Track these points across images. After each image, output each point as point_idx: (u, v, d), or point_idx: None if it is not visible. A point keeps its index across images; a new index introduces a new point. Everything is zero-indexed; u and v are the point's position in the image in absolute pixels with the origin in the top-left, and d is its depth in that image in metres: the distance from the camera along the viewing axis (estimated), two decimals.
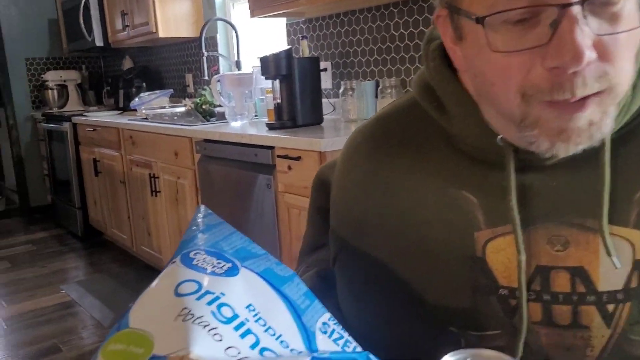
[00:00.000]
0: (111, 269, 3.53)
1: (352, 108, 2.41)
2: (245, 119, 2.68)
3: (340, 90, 2.42)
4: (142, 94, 3.72)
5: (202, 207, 0.56)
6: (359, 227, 0.66)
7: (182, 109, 3.42)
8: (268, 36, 3.25)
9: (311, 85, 2.35)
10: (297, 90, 2.29)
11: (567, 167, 0.57)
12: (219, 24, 3.46)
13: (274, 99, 2.35)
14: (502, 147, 0.58)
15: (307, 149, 1.90)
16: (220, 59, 3.50)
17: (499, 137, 0.58)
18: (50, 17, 4.93)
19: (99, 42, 4.12)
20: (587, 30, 0.48)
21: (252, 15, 2.61)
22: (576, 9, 0.47)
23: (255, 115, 2.82)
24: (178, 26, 3.51)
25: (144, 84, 4.18)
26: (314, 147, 1.86)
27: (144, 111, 3.49)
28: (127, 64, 4.57)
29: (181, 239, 0.51)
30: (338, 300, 0.70)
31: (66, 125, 4.10)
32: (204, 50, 3.08)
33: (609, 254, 0.54)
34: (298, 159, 1.94)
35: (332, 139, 1.88)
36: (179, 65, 4.02)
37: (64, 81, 4.87)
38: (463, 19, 0.54)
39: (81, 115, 4.07)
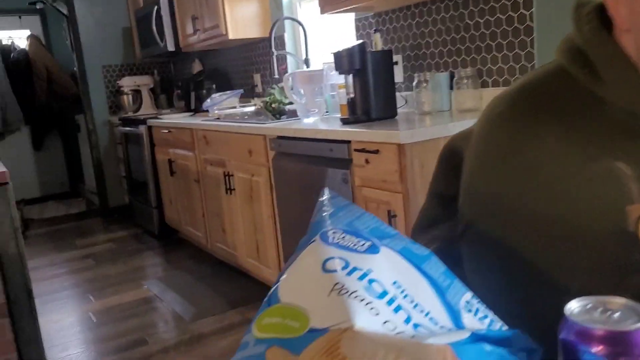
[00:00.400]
0: (188, 266, 3.65)
1: (426, 100, 2.37)
2: (316, 116, 2.70)
3: (414, 83, 2.39)
4: (213, 95, 3.82)
5: (327, 190, 0.56)
6: (495, 202, 0.64)
7: (252, 109, 3.49)
8: (335, 33, 3.26)
9: (384, 79, 2.33)
10: (371, 84, 2.28)
11: None
12: (286, 22, 3.50)
13: (348, 93, 2.35)
14: None
15: (385, 142, 1.88)
16: (288, 57, 3.54)
17: None
18: (124, 26, 5.16)
19: (170, 47, 4.27)
20: None
21: (322, 11, 2.62)
22: None
23: (326, 112, 2.83)
24: (246, 27, 3.58)
25: (214, 86, 4.29)
26: (392, 139, 1.85)
27: (215, 112, 3.58)
28: (197, 67, 4.71)
29: (311, 220, 0.51)
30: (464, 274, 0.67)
31: (142, 128, 4.27)
32: (273, 49, 3.12)
33: None
34: (376, 152, 1.93)
35: (411, 130, 1.86)
36: (246, 66, 4.10)
37: (138, 86, 5.08)
38: None
39: (155, 118, 4.23)
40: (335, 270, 0.42)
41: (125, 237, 4.55)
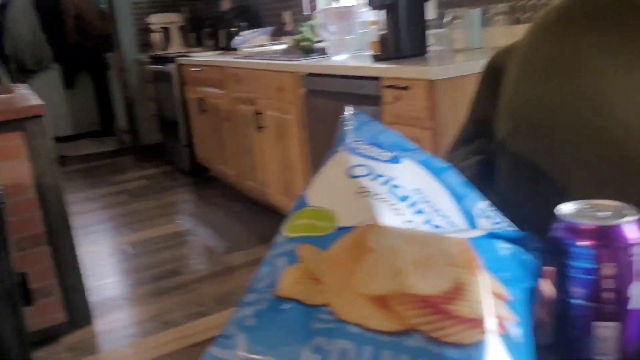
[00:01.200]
0: (219, 202, 3.75)
1: (458, 38, 2.32)
2: (346, 54, 2.67)
3: (444, 20, 2.34)
4: (242, 33, 3.79)
5: (349, 108, 0.58)
6: (536, 113, 0.64)
7: (282, 47, 3.46)
8: None
9: (416, 15, 2.28)
10: (403, 20, 2.24)
11: None
12: None
13: (380, 30, 2.31)
14: None
15: (415, 78, 1.87)
16: None
17: None
18: None
19: None
20: None
21: None
22: None
23: (357, 50, 2.80)
24: None
25: (244, 24, 4.25)
26: (422, 75, 1.83)
27: (245, 49, 3.57)
28: (226, 4, 4.65)
29: (336, 135, 0.54)
30: (500, 186, 0.69)
31: (171, 67, 4.29)
32: None
33: None
34: (406, 88, 1.92)
35: (441, 67, 1.83)
36: (277, 4, 4.04)
37: (167, 24, 5.06)
38: None
39: (185, 56, 4.24)
40: (360, 176, 0.44)
41: (157, 175, 4.67)
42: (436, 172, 0.49)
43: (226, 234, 3.15)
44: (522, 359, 0.34)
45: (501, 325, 0.34)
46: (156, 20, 5.01)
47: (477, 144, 0.75)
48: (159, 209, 3.76)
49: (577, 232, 0.42)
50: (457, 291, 0.34)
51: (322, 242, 0.41)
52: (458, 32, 2.32)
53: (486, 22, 2.26)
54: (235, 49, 3.77)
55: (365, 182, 0.44)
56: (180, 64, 4.22)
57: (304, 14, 3.20)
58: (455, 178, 0.49)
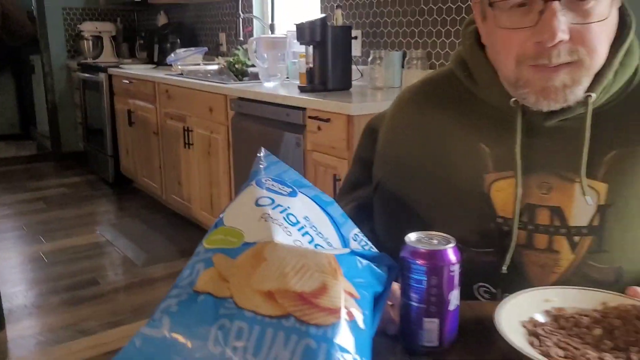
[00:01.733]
0: (141, 215, 3.76)
1: (379, 76, 2.54)
2: (277, 81, 2.83)
3: (369, 59, 2.56)
4: (177, 50, 3.87)
5: (263, 150, 0.73)
6: (401, 165, 0.86)
7: (215, 67, 3.58)
8: (302, 2, 3.36)
9: (343, 53, 2.49)
10: (329, 56, 2.43)
11: (559, 132, 0.77)
12: None
13: (307, 63, 2.50)
14: (514, 108, 0.76)
15: (337, 112, 2.05)
16: (254, 20, 3.63)
17: (512, 99, 0.76)
18: None
19: None
20: (563, 19, 0.67)
21: None
22: (556, 4, 0.67)
23: (287, 78, 2.97)
24: None
25: (179, 40, 4.33)
26: (343, 110, 2.02)
27: (179, 67, 3.65)
28: (162, 19, 4.71)
29: (251, 169, 0.68)
30: (374, 225, 0.88)
31: (102, 76, 4.28)
32: (240, 12, 3.20)
33: (584, 194, 0.72)
34: (328, 120, 2.10)
35: (361, 104, 2.03)
36: (213, 24, 4.16)
37: (99, 32, 5.03)
38: (485, 3, 0.74)
39: (116, 67, 4.25)
40: (264, 205, 0.59)
41: (78, 183, 4.60)
42: (323, 205, 0.64)
43: (147, 246, 3.18)
44: (362, 339, 0.50)
45: (350, 314, 0.50)
46: (88, 27, 4.97)
47: (358, 192, 0.94)
48: (78, 218, 3.73)
49: (415, 254, 0.59)
50: (323, 290, 0.50)
51: (232, 253, 0.55)
52: (380, 71, 2.54)
53: (405, 64, 2.50)
54: (169, 65, 3.84)
55: (267, 210, 0.58)
56: (111, 75, 4.22)
57: (239, 38, 3.35)
58: (337, 210, 0.65)
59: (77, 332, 2.26)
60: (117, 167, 4.39)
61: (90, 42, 5.03)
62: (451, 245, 0.60)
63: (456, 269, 0.60)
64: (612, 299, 0.65)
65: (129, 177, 4.30)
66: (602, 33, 0.70)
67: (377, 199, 0.90)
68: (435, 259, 0.59)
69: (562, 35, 0.67)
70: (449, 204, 0.79)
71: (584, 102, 0.74)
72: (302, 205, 0.62)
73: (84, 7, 5.18)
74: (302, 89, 2.47)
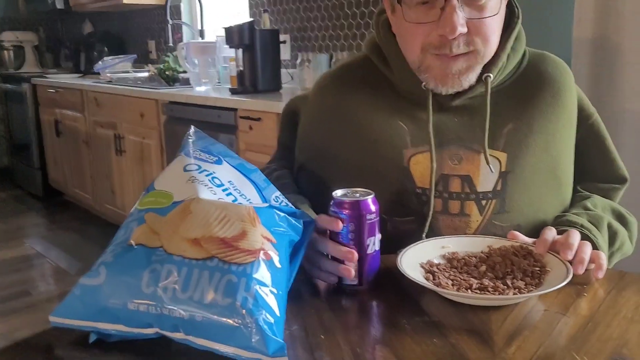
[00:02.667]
0: (74, 226, 3.68)
1: (307, 78, 2.64)
2: (208, 85, 2.87)
3: (298, 62, 2.65)
4: (105, 58, 3.83)
5: (193, 127, 0.80)
6: (321, 150, 0.94)
7: (146, 74, 3.57)
8: (230, 7, 3.43)
9: (271, 56, 2.57)
10: (259, 59, 2.51)
11: (464, 109, 0.88)
12: None
13: (237, 66, 2.56)
14: (425, 91, 0.87)
15: (267, 111, 2.13)
16: (184, 27, 3.65)
17: (423, 83, 0.86)
18: None
19: (59, 5, 4.17)
20: (461, 15, 0.78)
21: None
22: (455, 2, 0.77)
23: (218, 82, 3.02)
24: None
25: (106, 48, 4.27)
26: (273, 109, 2.10)
27: (107, 74, 3.61)
28: (88, 28, 4.63)
29: (181, 144, 0.75)
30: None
31: (25, 87, 4.15)
32: (169, 18, 3.23)
33: (487, 163, 0.82)
34: (259, 119, 2.17)
35: None
36: (141, 32, 4.14)
37: (21, 42, 4.87)
38: (394, 0, 0.84)
39: (41, 76, 4.14)
40: (191, 170, 0.66)
41: (5, 198, 4.42)
42: (246, 172, 0.72)
43: (80, 256, 3.13)
44: (278, 276, 0.58)
45: (267, 255, 0.57)
46: (8, 37, 4.80)
47: (284, 162, 1.01)
48: (6, 232, 3.59)
49: (339, 204, 0.70)
50: (243, 235, 0.57)
51: (162, 211, 0.62)
52: (308, 73, 2.64)
53: (332, 66, 2.61)
54: (96, 74, 3.79)
55: (194, 173, 0.65)
56: (35, 85, 4.11)
57: (169, 44, 3.36)
58: (260, 176, 0.73)
59: (10, 341, 2.20)
60: (45, 180, 4.27)
61: (12, 52, 4.86)
62: (370, 196, 0.71)
63: (373, 217, 0.70)
64: (496, 242, 0.76)
65: (59, 190, 4.19)
66: (495, 25, 0.82)
67: (300, 178, 0.98)
68: (355, 208, 0.70)
69: (461, 28, 0.78)
70: (372, 180, 0.86)
71: (484, 83, 0.85)
72: (227, 172, 0.69)
73: (3, 16, 5.00)
74: (233, 91, 2.53)
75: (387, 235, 0.82)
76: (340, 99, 0.94)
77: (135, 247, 0.57)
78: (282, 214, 0.64)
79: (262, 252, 0.57)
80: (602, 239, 0.83)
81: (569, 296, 0.67)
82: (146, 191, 0.66)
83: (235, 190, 0.67)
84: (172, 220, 0.59)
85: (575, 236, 0.74)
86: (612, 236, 0.86)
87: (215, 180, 0.65)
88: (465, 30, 0.79)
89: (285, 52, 2.91)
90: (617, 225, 0.88)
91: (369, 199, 0.71)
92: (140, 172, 3.08)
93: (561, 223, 0.83)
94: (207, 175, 0.65)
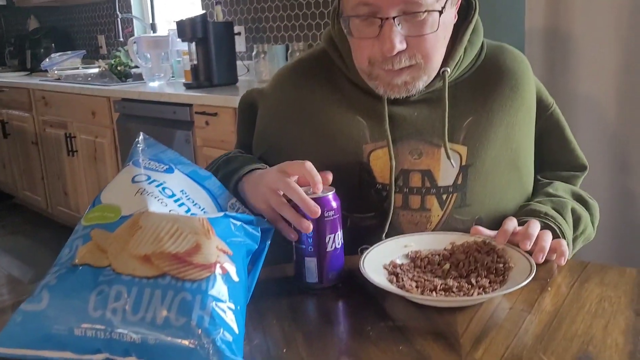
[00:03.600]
0: (25, 230, 3.54)
1: (264, 70, 2.59)
2: (162, 80, 2.79)
3: (254, 53, 2.60)
4: (52, 55, 3.67)
5: (142, 134, 0.75)
6: (281, 141, 0.91)
7: (96, 70, 3.44)
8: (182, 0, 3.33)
9: (226, 48, 2.51)
10: (213, 52, 2.45)
11: (423, 103, 0.86)
12: None
13: (191, 60, 2.49)
14: None
15: (223, 105, 2.08)
16: (135, 20, 3.54)
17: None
18: None
19: (1, 1, 3.98)
20: (399, 33, 0.77)
21: None
22: (392, 19, 0.76)
23: (172, 76, 2.94)
24: None
25: (53, 45, 4.10)
26: (229, 103, 2.05)
27: (55, 72, 3.47)
28: (33, 24, 4.43)
29: (129, 153, 0.71)
30: None
31: None
32: (118, 12, 3.11)
33: (448, 157, 0.81)
34: (215, 114, 2.12)
35: None
36: (90, 27, 3.99)
37: None
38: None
39: None
40: (140, 181, 0.62)
41: None
42: (200, 180, 0.69)
43: (33, 262, 3.01)
44: (236, 289, 0.55)
45: (223, 268, 0.54)
46: None
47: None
48: None
49: None
50: (196, 248, 0.54)
51: (110, 227, 0.58)
52: (265, 65, 2.59)
53: (289, 56, 2.57)
54: (44, 71, 3.64)
55: (143, 185, 0.62)
56: None
57: (120, 39, 3.25)
58: (214, 183, 0.70)
59: None
60: None
61: None
62: (330, 193, 0.69)
63: (333, 214, 0.69)
64: (459, 238, 0.75)
65: (9, 193, 4.02)
66: (437, 40, 0.80)
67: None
68: (320, 203, 0.68)
69: (400, 46, 0.76)
70: (333, 174, 0.85)
71: (442, 77, 0.84)
72: (179, 180, 0.66)
73: None
74: (187, 86, 2.46)
75: (347, 232, 0.80)
76: (298, 93, 0.92)
77: (81, 267, 0.54)
78: (239, 223, 0.61)
79: (217, 265, 0.54)
80: (567, 226, 0.83)
81: (533, 292, 0.67)
82: (92, 205, 0.62)
83: (188, 199, 0.63)
84: (121, 236, 0.55)
85: (534, 226, 0.75)
86: (576, 221, 0.87)
87: (166, 190, 0.62)
88: (404, 47, 0.77)
89: (240, 44, 2.85)
90: (580, 209, 0.89)
91: (330, 195, 0.69)
92: (94, 172, 2.97)
93: (525, 213, 0.83)
94: (157, 186, 0.62)
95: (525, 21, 1.66)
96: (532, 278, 0.64)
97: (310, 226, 0.67)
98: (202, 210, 0.63)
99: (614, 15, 1.47)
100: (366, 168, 0.85)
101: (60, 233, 3.42)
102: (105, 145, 2.81)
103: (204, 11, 2.93)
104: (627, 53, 1.48)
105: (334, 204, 0.69)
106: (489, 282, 0.65)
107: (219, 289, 0.53)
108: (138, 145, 0.71)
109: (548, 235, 0.74)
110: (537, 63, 1.65)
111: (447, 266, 0.70)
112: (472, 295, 0.62)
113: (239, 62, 2.70)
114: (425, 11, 0.75)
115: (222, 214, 0.61)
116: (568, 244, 0.80)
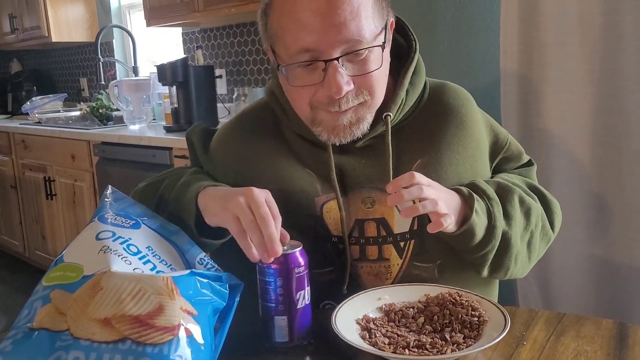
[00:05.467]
0: (2, 276, 3.45)
1: None
2: (143, 123, 2.79)
3: (234, 96, 2.62)
4: (33, 98, 3.66)
5: (110, 187, 0.74)
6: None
7: (78, 113, 3.43)
8: (165, 42, 3.37)
9: (206, 91, 2.52)
10: (193, 95, 2.46)
11: (370, 150, 0.84)
12: (115, 30, 3.52)
13: (171, 103, 2.50)
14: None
15: None
16: (117, 63, 3.56)
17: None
18: None
19: None
20: (344, 74, 0.75)
21: (148, 24, 2.73)
22: (335, 62, 0.74)
23: (154, 119, 2.94)
24: (72, 31, 3.52)
25: (35, 88, 4.10)
26: None
27: (36, 115, 3.45)
28: (15, 67, 4.44)
29: (97, 207, 0.69)
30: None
31: None
32: (100, 56, 3.13)
33: (396, 205, 0.79)
34: None
35: None
36: (73, 70, 4.00)
37: None
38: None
39: None
40: (104, 238, 0.61)
41: None
42: (167, 234, 0.67)
43: (9, 308, 2.92)
44: (200, 352, 0.53)
45: (187, 330, 0.53)
46: None
47: None
48: None
49: None
50: (160, 310, 0.52)
51: (71, 287, 0.56)
52: (245, 107, 2.61)
53: None
54: (25, 114, 3.62)
55: (107, 242, 0.60)
56: None
57: (101, 82, 3.26)
58: (182, 237, 0.68)
59: None
60: None
61: None
62: (297, 249, 0.68)
63: (302, 270, 0.67)
64: (433, 289, 0.74)
65: None
66: (381, 76, 0.79)
67: None
68: (282, 262, 0.66)
69: (347, 87, 0.75)
70: (287, 230, 0.81)
71: (385, 122, 0.83)
72: (145, 236, 0.64)
73: None
74: (168, 129, 2.46)
75: (309, 268, 0.78)
76: (246, 149, 0.89)
77: (37, 332, 0.52)
78: (205, 280, 0.60)
79: (181, 327, 0.52)
80: (498, 209, 0.80)
81: (508, 346, 0.65)
82: (54, 264, 0.60)
83: (154, 256, 0.62)
84: (81, 298, 0.54)
85: (408, 175, 0.72)
86: (527, 211, 0.84)
87: (131, 247, 0.60)
88: (351, 87, 0.76)
89: (221, 87, 2.88)
90: (530, 201, 0.86)
91: (297, 252, 0.67)
92: (72, 216, 2.93)
93: (467, 186, 0.81)
94: (122, 243, 0.60)
95: (500, 63, 1.69)
96: (508, 332, 0.63)
97: (270, 259, 0.65)
98: (168, 266, 0.62)
99: (587, 59, 1.51)
100: (320, 222, 0.82)
101: (37, 278, 3.31)
102: (85, 189, 2.78)
103: (185, 55, 2.96)
104: (600, 96, 1.51)
105: (301, 260, 0.67)
106: (463, 338, 0.64)
107: (182, 352, 0.51)
108: (106, 199, 0.70)
109: (416, 177, 0.71)
110: (513, 105, 1.68)
111: (421, 319, 0.68)
112: (445, 352, 0.61)
113: (220, 105, 2.71)
114: (367, 48, 0.75)
115: (188, 271, 0.59)
116: (494, 227, 0.78)
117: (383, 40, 0.77)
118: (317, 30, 0.73)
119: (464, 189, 0.80)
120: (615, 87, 1.46)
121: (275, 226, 0.67)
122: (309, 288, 0.68)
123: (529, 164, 0.98)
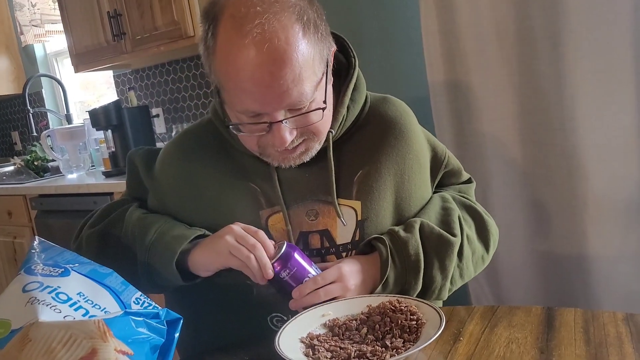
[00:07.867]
0: None
1: None
2: (81, 171, 2.72)
3: (173, 134, 2.60)
4: None
5: (37, 238, 0.73)
6: (179, 214, 0.89)
7: (12, 168, 3.32)
8: (99, 85, 3.32)
9: (143, 132, 2.50)
10: (130, 137, 2.43)
11: (313, 163, 0.86)
12: (44, 79, 3.44)
13: (108, 148, 2.46)
14: None
15: None
16: (48, 113, 3.47)
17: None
18: None
19: None
20: (288, 128, 0.77)
21: (77, 70, 2.69)
22: (278, 119, 0.76)
23: (92, 166, 2.87)
24: None
25: None
26: None
27: None
28: None
29: (23, 259, 0.68)
30: None
31: None
32: (29, 107, 3.05)
33: (338, 216, 0.82)
34: None
35: None
36: (2, 124, 3.87)
37: None
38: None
39: None
40: (32, 290, 0.59)
41: None
42: (100, 278, 0.66)
43: None
44: None
45: None
46: None
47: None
48: None
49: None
50: (93, 354, 0.52)
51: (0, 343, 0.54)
52: None
53: None
54: None
55: (34, 293, 0.59)
56: None
57: (33, 134, 3.16)
58: (116, 279, 0.67)
59: None
60: None
61: None
62: (282, 249, 0.78)
63: (298, 257, 0.79)
64: (375, 300, 0.76)
65: None
66: (324, 118, 0.81)
67: None
68: (284, 259, 0.78)
69: (290, 137, 0.78)
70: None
71: (326, 138, 0.85)
72: (76, 283, 0.63)
73: None
74: (107, 174, 2.41)
75: (254, 301, 0.79)
76: (189, 167, 0.89)
77: None
78: (140, 319, 0.59)
79: None
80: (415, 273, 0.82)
81: (446, 343, 0.67)
82: None
83: (87, 301, 0.61)
84: (10, 353, 0.52)
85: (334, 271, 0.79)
86: (444, 244, 0.85)
87: (61, 295, 0.59)
88: (294, 135, 0.79)
89: (160, 126, 2.85)
90: (468, 247, 0.87)
91: (283, 252, 0.77)
92: (15, 274, 2.80)
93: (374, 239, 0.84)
94: (50, 292, 0.59)
95: (427, 75, 1.75)
96: (446, 329, 0.65)
97: (263, 280, 0.77)
98: (102, 310, 0.61)
99: (505, 64, 1.59)
100: (266, 233, 0.83)
101: None
102: (25, 245, 2.68)
103: (119, 97, 2.93)
104: (522, 97, 1.59)
105: (291, 254, 0.78)
106: (403, 342, 0.65)
107: None
108: (32, 251, 0.69)
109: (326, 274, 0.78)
110: (444, 113, 1.74)
111: (364, 330, 0.70)
112: (384, 358, 0.62)
113: (159, 144, 2.68)
114: (309, 111, 0.77)
115: (121, 312, 0.58)
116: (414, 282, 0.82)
117: (324, 97, 0.79)
118: (260, 100, 0.75)
119: (384, 253, 0.82)
120: (534, 87, 1.55)
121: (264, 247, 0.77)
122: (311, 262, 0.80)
123: (469, 181, 1.02)
